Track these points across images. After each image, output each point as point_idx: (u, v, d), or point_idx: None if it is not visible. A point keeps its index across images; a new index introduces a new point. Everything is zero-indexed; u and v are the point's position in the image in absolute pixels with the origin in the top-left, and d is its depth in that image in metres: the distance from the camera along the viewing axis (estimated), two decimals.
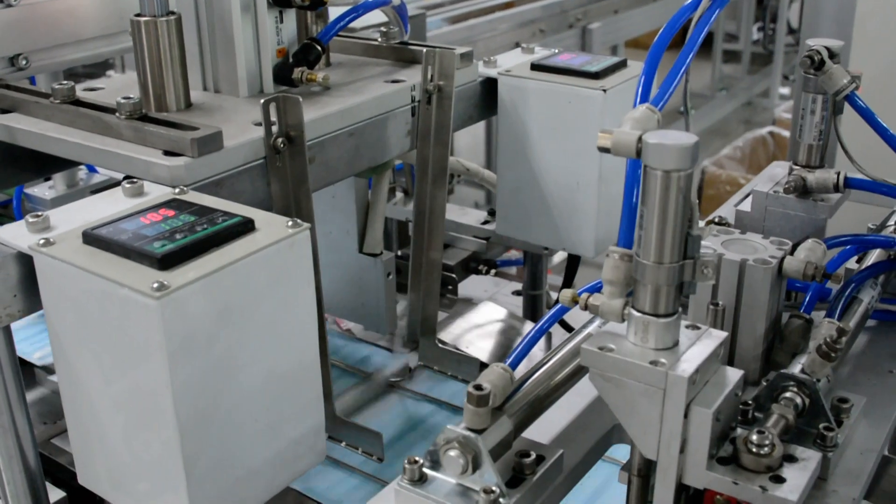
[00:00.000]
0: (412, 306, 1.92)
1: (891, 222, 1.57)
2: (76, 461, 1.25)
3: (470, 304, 2.39)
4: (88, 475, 1.25)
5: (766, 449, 1.02)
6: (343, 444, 1.67)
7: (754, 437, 1.02)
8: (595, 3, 4.99)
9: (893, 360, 1.38)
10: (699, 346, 1.03)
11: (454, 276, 2.19)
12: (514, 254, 2.50)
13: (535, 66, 1.88)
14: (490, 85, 1.90)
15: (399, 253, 2.32)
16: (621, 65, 1.86)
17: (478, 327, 2.28)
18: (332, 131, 1.57)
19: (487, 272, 2.21)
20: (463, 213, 2.30)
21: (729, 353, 1.28)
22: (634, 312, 1.03)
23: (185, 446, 1.08)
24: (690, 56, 1.15)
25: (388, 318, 2.03)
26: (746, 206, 1.52)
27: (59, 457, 1.78)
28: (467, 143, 4.98)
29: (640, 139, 0.98)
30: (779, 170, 1.57)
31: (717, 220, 1.47)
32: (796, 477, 1.02)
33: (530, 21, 4.78)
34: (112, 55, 2.43)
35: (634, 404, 1.02)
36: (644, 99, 1.10)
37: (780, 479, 1.01)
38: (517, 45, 4.10)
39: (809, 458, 1.05)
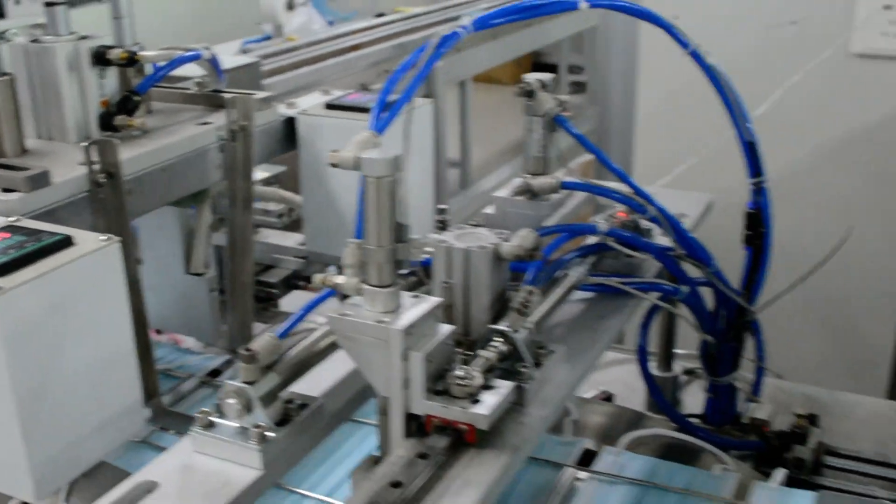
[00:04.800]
0: (231, 321, 2.23)
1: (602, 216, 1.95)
2: None
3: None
4: None
5: (466, 381, 1.36)
6: (172, 432, 1.96)
7: (458, 373, 1.37)
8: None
9: (598, 321, 1.75)
10: (415, 309, 1.38)
11: (276, 292, 2.50)
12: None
13: (329, 106, 2.24)
14: (290, 123, 2.24)
15: None
16: None
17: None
18: (147, 167, 1.88)
19: (307, 288, 2.53)
20: (283, 236, 2.62)
21: (464, 321, 1.62)
22: (366, 286, 1.36)
23: (23, 417, 1.37)
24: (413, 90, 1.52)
25: (215, 329, 2.33)
26: (492, 209, 1.89)
27: None
28: None
29: (358, 156, 1.33)
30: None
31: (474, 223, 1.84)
32: (489, 399, 1.36)
33: (375, 63, 5.12)
34: None
35: (368, 355, 1.35)
36: (376, 124, 1.47)
37: (477, 402, 1.36)
38: (362, 86, 4.40)
39: (503, 386, 1.40)
